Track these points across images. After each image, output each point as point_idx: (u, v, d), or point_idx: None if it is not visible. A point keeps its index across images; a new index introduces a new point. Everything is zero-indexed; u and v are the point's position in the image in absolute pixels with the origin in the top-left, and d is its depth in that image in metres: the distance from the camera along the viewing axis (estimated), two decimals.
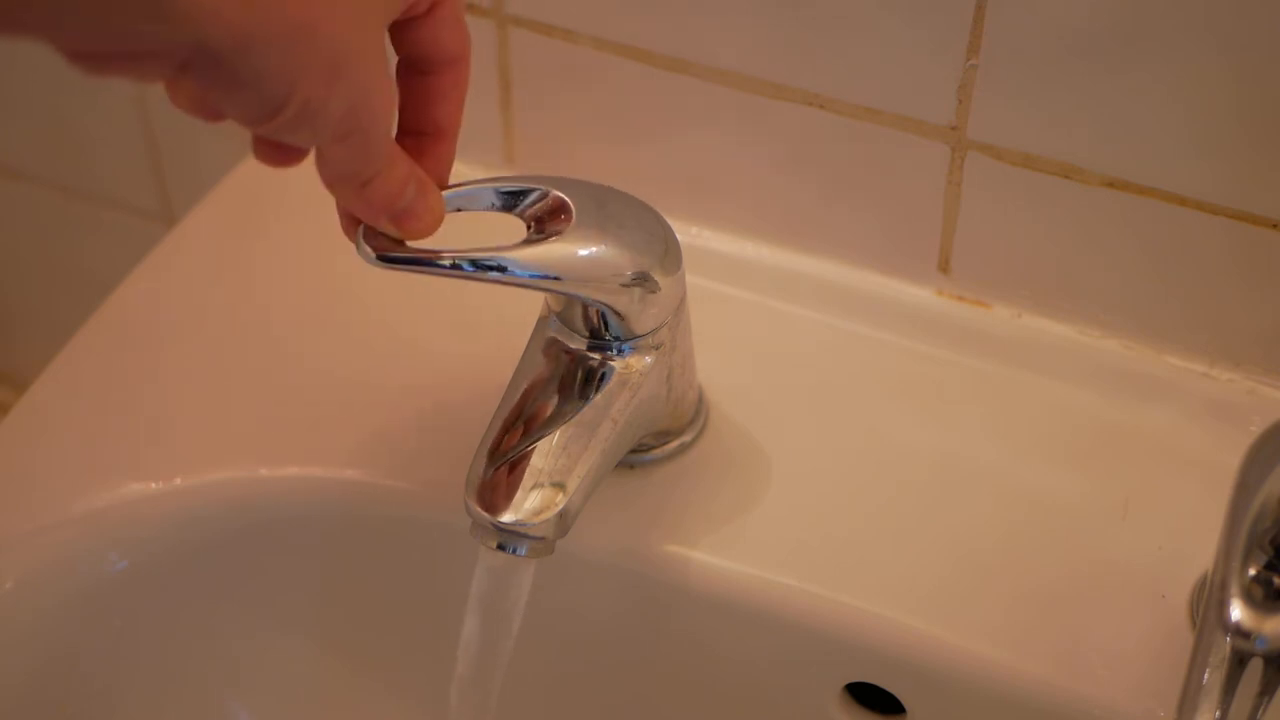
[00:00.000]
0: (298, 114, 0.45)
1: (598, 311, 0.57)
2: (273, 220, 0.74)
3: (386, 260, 0.52)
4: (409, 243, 0.52)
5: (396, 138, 0.52)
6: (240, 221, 0.74)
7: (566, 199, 0.55)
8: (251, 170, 0.76)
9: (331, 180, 0.50)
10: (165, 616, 0.66)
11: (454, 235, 0.53)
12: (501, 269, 0.54)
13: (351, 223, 0.53)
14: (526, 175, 0.56)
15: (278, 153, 0.50)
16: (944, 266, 0.68)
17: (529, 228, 0.55)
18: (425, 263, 0.53)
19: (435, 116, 0.53)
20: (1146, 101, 0.60)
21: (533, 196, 0.55)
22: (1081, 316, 0.67)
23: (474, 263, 0.53)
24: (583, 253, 0.55)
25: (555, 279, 0.54)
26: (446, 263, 0.53)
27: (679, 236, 0.58)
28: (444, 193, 0.53)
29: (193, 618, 0.67)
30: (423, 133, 0.53)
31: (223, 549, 0.65)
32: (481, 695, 0.59)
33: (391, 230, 0.52)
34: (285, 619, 0.68)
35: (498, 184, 0.55)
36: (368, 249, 0.52)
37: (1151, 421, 0.66)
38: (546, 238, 0.54)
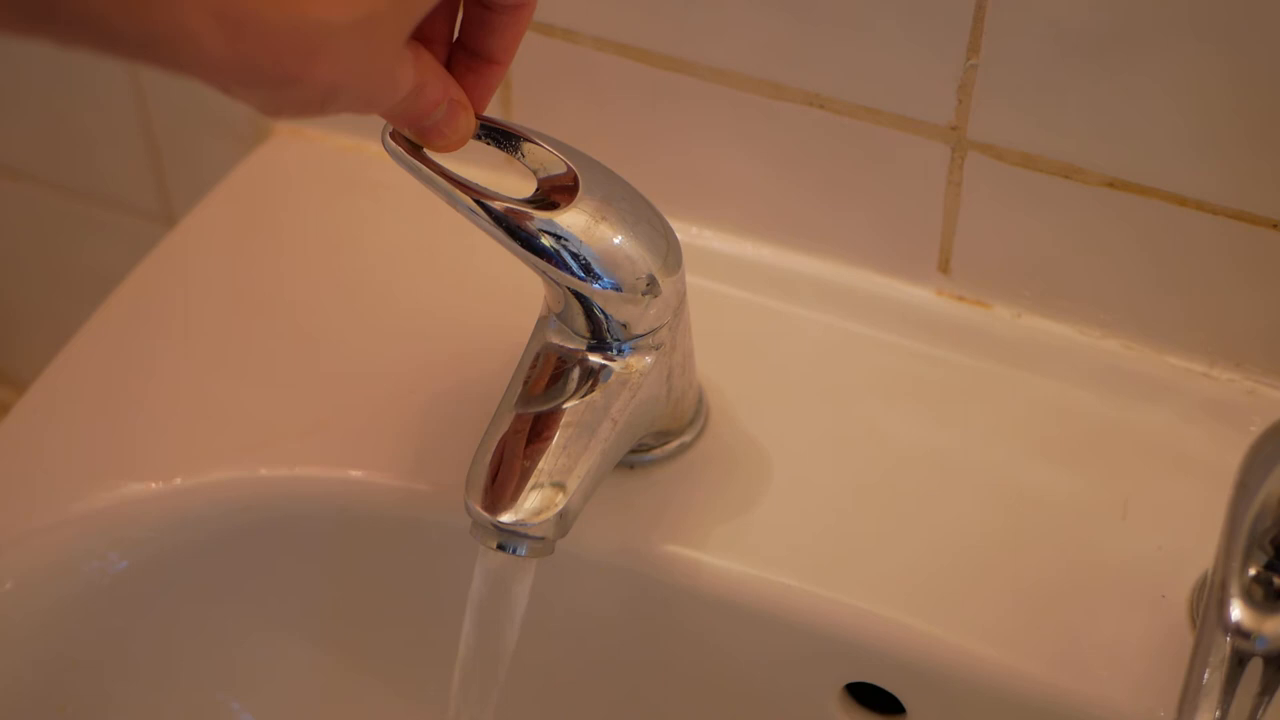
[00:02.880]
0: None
1: (598, 311, 0.57)
2: (273, 220, 0.74)
3: (399, 159, 0.53)
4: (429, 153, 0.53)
5: (452, 53, 0.53)
6: (240, 221, 0.74)
7: (579, 180, 0.55)
8: (251, 170, 0.76)
9: None
10: (165, 616, 0.66)
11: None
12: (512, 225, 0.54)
13: None
14: (559, 144, 0.56)
15: None
16: (944, 266, 0.68)
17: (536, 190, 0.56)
18: (428, 177, 0.53)
19: (489, 46, 0.53)
20: (1146, 101, 0.60)
21: (556, 171, 0.55)
22: (1081, 316, 0.67)
23: (486, 208, 0.53)
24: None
25: (563, 238, 0.55)
26: (444, 183, 0.53)
27: (679, 236, 0.58)
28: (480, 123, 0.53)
29: (192, 618, 0.67)
30: (475, 54, 0.53)
31: (223, 549, 0.65)
32: (482, 695, 0.59)
33: (416, 139, 0.53)
34: (285, 619, 0.68)
35: (528, 136, 0.55)
36: (390, 142, 0.53)
37: (1151, 421, 0.66)
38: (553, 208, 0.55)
